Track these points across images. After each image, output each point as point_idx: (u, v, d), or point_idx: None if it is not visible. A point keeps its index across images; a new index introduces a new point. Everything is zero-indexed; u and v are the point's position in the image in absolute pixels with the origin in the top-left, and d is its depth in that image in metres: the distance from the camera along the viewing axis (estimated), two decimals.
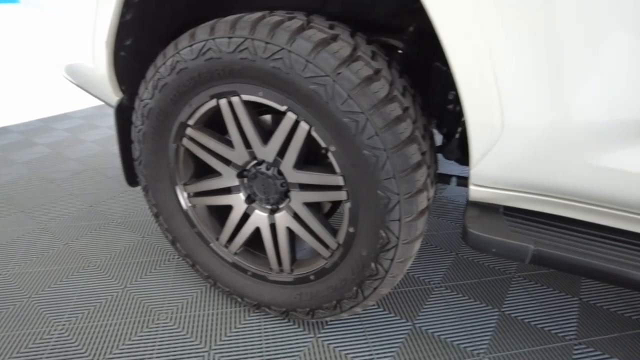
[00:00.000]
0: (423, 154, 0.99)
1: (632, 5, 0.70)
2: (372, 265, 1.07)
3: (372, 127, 0.92)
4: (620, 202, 0.86)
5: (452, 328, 1.34)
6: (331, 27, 1.00)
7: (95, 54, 1.29)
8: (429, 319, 1.38)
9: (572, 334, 1.33)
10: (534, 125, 0.83)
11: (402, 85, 1.02)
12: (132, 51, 1.31)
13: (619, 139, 0.80)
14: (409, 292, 1.49)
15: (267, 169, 1.16)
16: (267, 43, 0.95)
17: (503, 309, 1.42)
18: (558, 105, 0.80)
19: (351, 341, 1.29)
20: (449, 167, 2.43)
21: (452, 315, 1.39)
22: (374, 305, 1.43)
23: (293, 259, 1.25)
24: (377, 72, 0.95)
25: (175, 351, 1.25)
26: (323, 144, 1.01)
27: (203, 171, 1.33)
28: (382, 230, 1.01)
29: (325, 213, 1.48)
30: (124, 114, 1.38)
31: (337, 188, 1.06)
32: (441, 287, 1.52)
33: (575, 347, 1.28)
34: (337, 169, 1.03)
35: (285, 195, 1.18)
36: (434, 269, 1.62)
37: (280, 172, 1.15)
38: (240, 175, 1.23)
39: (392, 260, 1.04)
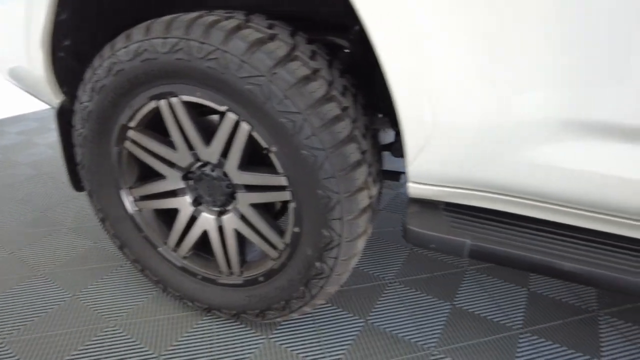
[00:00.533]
0: (363, 152, 1.00)
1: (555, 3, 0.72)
2: (317, 264, 1.07)
3: (309, 127, 0.92)
4: (552, 196, 0.89)
5: (404, 323, 1.36)
6: (270, 27, 0.99)
7: (31, 56, 1.25)
8: (381, 315, 1.39)
9: (519, 324, 1.37)
10: (465, 123, 0.84)
11: (343, 84, 1.02)
12: (72, 52, 1.27)
13: (548, 135, 0.82)
14: (363, 289, 1.50)
15: (212, 170, 1.15)
16: (201, 43, 0.94)
17: (454, 302, 1.45)
18: (488, 103, 0.82)
19: (303, 340, 1.29)
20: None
21: (405, 310, 1.41)
22: (327, 303, 1.43)
23: (242, 261, 1.24)
24: (315, 71, 0.95)
25: (122, 359, 1.22)
26: (264, 145, 1.01)
27: (149, 174, 1.30)
28: (325, 229, 1.01)
29: (277, 213, 1.47)
30: (65, 117, 1.33)
31: (281, 188, 1.05)
32: (395, 282, 1.54)
33: (521, 336, 1.32)
34: (280, 170, 1.02)
35: (231, 196, 1.17)
36: (389, 264, 1.64)
37: (225, 174, 1.13)
38: (185, 178, 1.21)
39: (336, 258, 1.05)
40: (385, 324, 1.35)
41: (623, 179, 0.79)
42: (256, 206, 1.14)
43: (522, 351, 1.26)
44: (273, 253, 1.15)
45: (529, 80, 0.78)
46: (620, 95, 0.74)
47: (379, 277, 1.56)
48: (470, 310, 1.42)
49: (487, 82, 0.80)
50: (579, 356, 1.25)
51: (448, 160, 0.90)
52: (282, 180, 1.03)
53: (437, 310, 1.41)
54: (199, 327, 1.34)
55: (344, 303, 1.43)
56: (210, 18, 0.96)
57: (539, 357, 1.25)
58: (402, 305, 1.43)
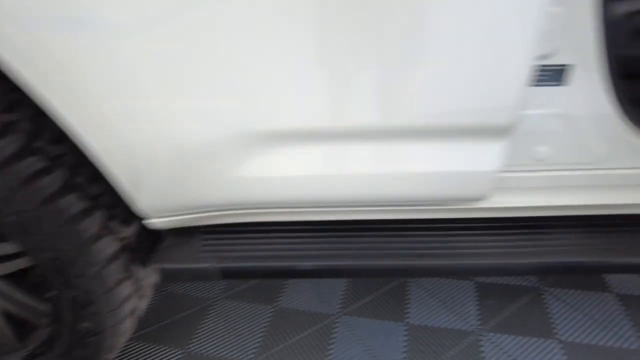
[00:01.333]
0: (94, 198, 0.93)
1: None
2: (82, 324, 0.99)
3: (4, 190, 0.83)
4: (275, 202, 0.90)
5: (225, 341, 1.34)
6: None
7: None
8: (203, 339, 1.36)
9: (338, 309, 1.42)
10: (158, 154, 0.81)
11: (59, 130, 0.94)
12: None
13: (241, 150, 0.82)
14: (187, 317, 1.45)
15: None
16: None
17: (278, 303, 1.46)
18: (175, 131, 0.79)
19: None
20: None
21: (227, 327, 1.39)
22: (144, 342, 1.35)
23: (21, 335, 1.12)
24: (10, 124, 0.86)
25: None
26: None
27: None
28: (71, 289, 0.94)
29: None
30: None
31: (20, 255, 0.96)
32: (221, 298, 1.51)
33: (337, 320, 1.37)
34: (7, 237, 0.92)
35: None
36: (215, 282, 1.60)
37: None
38: None
39: (97, 314, 0.98)
40: (206, 348, 1.32)
41: (317, 176, 0.82)
42: (9, 277, 1.03)
43: (335, 334, 1.31)
44: (42, 322, 1.06)
45: (211, 100, 0.76)
46: (284, 104, 0.76)
47: (204, 299, 1.52)
48: (292, 307, 1.44)
49: (153, 112, 0.77)
50: (388, 324, 1.33)
51: (163, 190, 0.87)
52: (15, 247, 0.93)
53: (260, 317, 1.41)
54: None
55: (163, 338, 1.37)
56: None
57: (352, 335, 1.30)
58: (225, 322, 1.41)
